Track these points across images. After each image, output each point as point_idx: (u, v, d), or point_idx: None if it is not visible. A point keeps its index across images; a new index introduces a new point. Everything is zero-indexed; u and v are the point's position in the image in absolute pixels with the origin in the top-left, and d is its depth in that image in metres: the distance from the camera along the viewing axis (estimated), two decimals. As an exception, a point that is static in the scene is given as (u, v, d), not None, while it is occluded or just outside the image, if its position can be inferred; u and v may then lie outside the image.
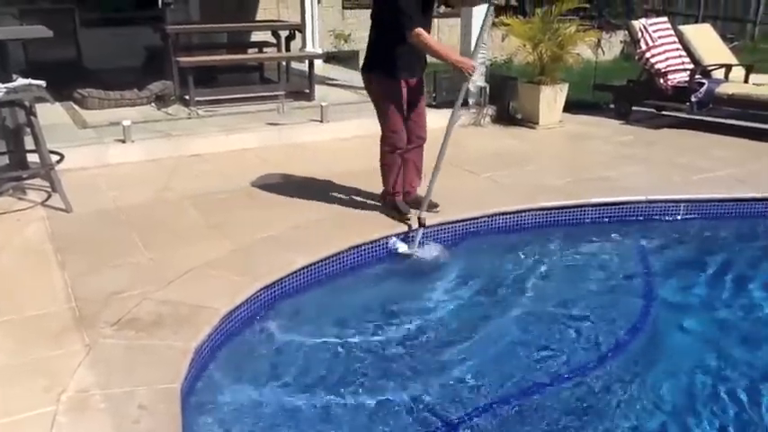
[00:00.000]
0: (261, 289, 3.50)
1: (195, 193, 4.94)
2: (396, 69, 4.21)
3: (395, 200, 4.54)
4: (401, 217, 4.43)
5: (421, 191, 4.56)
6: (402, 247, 4.20)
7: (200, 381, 2.92)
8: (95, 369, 2.79)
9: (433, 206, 4.46)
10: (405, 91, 4.28)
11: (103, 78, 7.64)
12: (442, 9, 11.20)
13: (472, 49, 4.19)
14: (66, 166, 4.98)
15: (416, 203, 4.48)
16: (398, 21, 4.00)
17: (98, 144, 5.79)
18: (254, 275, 3.59)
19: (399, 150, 4.42)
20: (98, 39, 9.05)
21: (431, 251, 4.23)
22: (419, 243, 4.23)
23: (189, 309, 3.26)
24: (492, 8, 4.35)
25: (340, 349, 3.28)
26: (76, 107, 6.97)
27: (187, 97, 7.06)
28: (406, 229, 4.30)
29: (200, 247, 3.97)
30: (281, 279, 3.63)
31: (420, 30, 4.01)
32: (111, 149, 5.73)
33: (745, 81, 7.21)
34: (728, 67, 7.30)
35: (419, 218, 4.29)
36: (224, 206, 4.68)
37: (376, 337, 3.39)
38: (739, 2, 16.65)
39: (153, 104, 7.15)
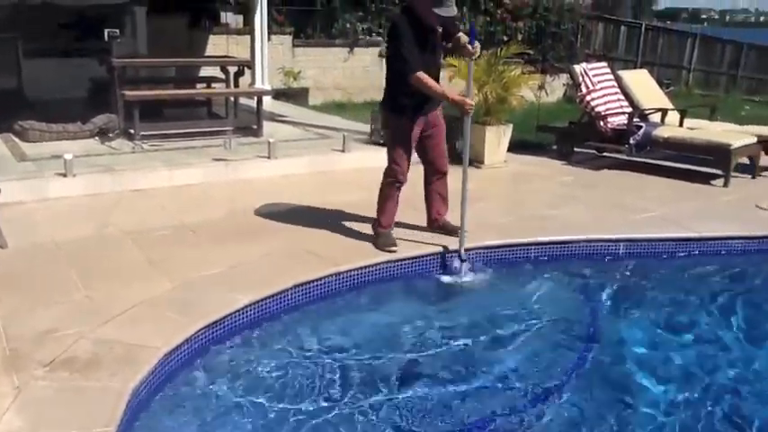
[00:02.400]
0: (202, 328, 3.44)
1: (137, 229, 4.85)
2: (401, 108, 4.48)
3: (384, 231, 4.68)
4: (387, 248, 4.55)
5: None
6: (446, 279, 4.51)
7: (138, 423, 2.84)
8: (24, 413, 2.69)
9: (458, 230, 4.68)
10: (416, 128, 4.52)
11: (46, 110, 7.49)
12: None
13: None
14: (2, 200, 4.83)
15: (443, 229, 4.83)
16: (401, 67, 4.33)
17: (37, 178, 5.64)
18: (195, 314, 3.52)
19: (399, 184, 4.64)
20: (41, 69, 8.90)
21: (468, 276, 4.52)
22: (464, 272, 4.52)
23: (127, 348, 3.18)
24: (472, 62, 4.61)
25: (279, 390, 3.23)
26: (16, 139, 6.81)
27: (132, 131, 6.97)
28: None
29: (140, 284, 3.88)
30: (223, 318, 3.57)
31: (419, 74, 4.28)
32: (51, 183, 5.59)
33: (680, 125, 7.51)
34: (664, 112, 7.60)
35: (459, 254, 4.54)
36: (166, 243, 4.61)
37: (317, 375, 3.37)
38: (675, 49, 17.44)
39: (96, 138, 7.04)
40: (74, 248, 4.46)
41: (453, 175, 4.83)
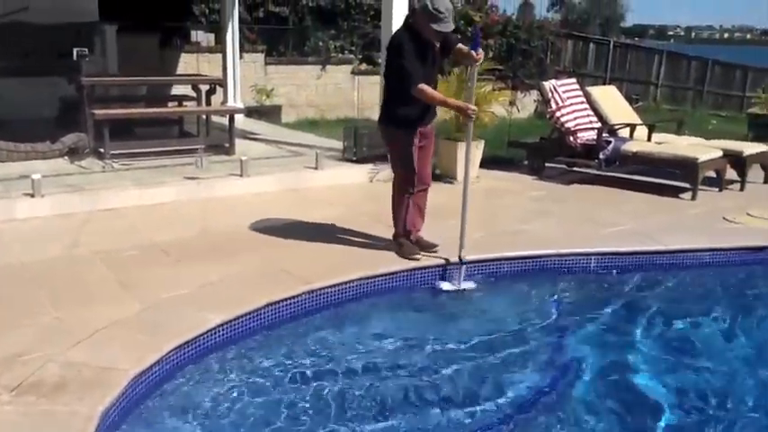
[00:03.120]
0: (172, 349, 3.40)
1: (107, 249, 4.79)
2: (402, 120, 4.66)
3: (406, 239, 4.82)
4: (410, 256, 4.72)
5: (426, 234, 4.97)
6: (446, 286, 4.64)
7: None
8: (-10, 439, 2.63)
9: (431, 246, 4.86)
10: (415, 139, 4.68)
11: (14, 129, 7.38)
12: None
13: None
14: (-32, 222, 4.76)
15: (417, 245, 4.86)
16: (403, 79, 4.46)
17: (4, 198, 5.56)
18: (165, 335, 3.48)
19: (408, 193, 4.78)
20: (9, 88, 8.77)
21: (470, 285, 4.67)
22: (462, 278, 4.65)
23: (96, 371, 3.12)
24: (477, 66, 4.71)
25: (252, 410, 3.20)
26: (-18, 159, 6.70)
27: (102, 150, 6.91)
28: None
29: (110, 305, 3.83)
30: (194, 339, 3.53)
31: (422, 86, 4.46)
32: (18, 204, 5.51)
33: (648, 140, 7.63)
34: (633, 127, 7.72)
35: (459, 257, 4.67)
36: (137, 263, 4.56)
37: (290, 395, 3.34)
38: (643, 66, 17.78)
39: (66, 157, 6.96)
40: (42, 269, 4.39)
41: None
